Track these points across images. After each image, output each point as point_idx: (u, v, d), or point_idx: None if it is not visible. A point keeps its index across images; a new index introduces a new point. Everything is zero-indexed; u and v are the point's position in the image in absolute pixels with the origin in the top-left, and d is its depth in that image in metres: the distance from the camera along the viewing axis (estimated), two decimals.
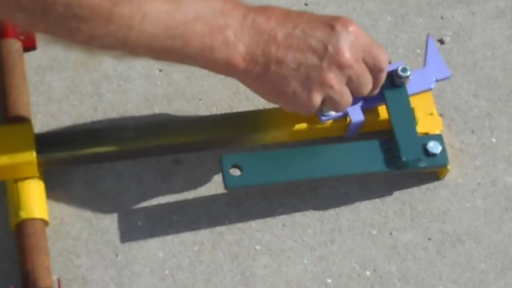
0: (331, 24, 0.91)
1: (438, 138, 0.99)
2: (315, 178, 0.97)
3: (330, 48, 0.90)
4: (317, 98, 0.92)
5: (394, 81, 0.99)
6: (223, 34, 0.86)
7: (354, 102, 0.98)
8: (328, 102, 0.93)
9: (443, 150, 0.98)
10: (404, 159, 0.96)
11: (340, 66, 0.91)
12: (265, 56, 0.88)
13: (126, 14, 0.79)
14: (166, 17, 0.81)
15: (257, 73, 0.89)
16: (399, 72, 0.98)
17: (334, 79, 0.91)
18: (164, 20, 0.81)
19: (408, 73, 0.98)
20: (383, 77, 0.96)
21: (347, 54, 0.90)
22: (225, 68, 0.88)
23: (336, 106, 0.94)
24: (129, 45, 0.82)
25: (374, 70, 0.94)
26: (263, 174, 0.93)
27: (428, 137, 0.99)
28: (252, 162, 0.90)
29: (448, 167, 1.01)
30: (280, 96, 0.92)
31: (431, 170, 1.00)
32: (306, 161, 0.96)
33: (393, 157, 0.97)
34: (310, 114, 0.95)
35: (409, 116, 0.99)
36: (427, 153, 0.98)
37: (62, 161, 0.97)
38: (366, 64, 0.93)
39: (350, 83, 0.93)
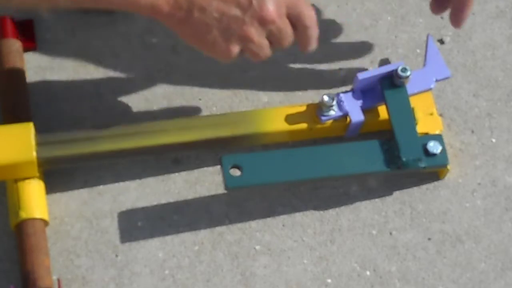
0: None
1: (438, 138, 0.99)
2: (315, 178, 0.97)
3: (254, 2, 0.90)
4: (235, 49, 0.93)
5: (394, 81, 0.99)
6: None
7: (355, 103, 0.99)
8: (247, 52, 0.94)
9: (443, 150, 0.98)
10: (404, 159, 0.96)
11: (262, 21, 0.91)
12: (189, 1, 0.89)
13: None
14: None
15: (181, 17, 0.90)
16: (399, 72, 0.98)
17: (255, 33, 0.92)
18: None
19: (408, 73, 0.98)
20: (311, 33, 0.96)
21: (270, 9, 0.91)
22: (150, 10, 0.89)
23: (254, 57, 0.95)
24: None
25: (299, 26, 0.94)
26: (263, 174, 0.93)
27: (428, 137, 0.99)
28: (252, 162, 0.90)
29: (448, 167, 1.01)
30: (201, 42, 0.93)
31: (431, 170, 1.00)
32: (306, 161, 0.96)
33: (393, 157, 0.97)
34: (228, 63, 0.95)
35: (409, 116, 0.99)
36: (427, 153, 0.98)
37: (62, 161, 0.97)
38: (290, 19, 0.93)
39: (270, 36, 0.93)
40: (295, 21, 0.94)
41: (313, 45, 0.97)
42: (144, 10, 0.90)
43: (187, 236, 0.99)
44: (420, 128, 1.01)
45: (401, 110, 0.99)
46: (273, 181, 0.95)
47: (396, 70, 0.99)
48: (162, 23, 0.92)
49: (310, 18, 0.95)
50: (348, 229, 1.00)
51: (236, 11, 0.91)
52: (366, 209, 1.01)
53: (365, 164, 0.97)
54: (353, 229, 1.00)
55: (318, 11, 1.13)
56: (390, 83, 0.99)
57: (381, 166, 0.97)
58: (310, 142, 1.04)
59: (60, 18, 1.10)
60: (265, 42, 0.93)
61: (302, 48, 0.97)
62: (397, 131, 0.97)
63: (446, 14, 1.12)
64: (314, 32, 0.96)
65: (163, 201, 1.00)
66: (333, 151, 0.97)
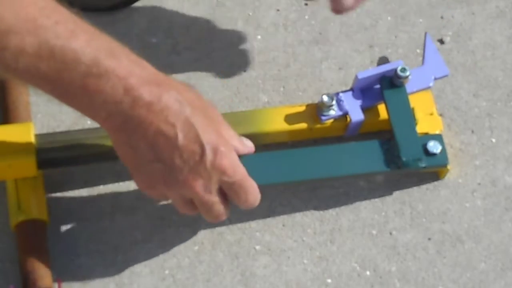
0: (202, 147, 0.81)
1: (438, 138, 0.99)
2: (315, 178, 0.97)
3: (186, 169, 0.81)
4: (153, 195, 0.86)
5: (394, 81, 0.99)
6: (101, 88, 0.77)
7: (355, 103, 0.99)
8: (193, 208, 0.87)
9: (443, 150, 0.98)
10: (404, 159, 0.96)
11: (183, 189, 0.83)
12: (125, 114, 0.79)
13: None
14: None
15: (115, 125, 0.80)
16: (399, 72, 0.98)
17: (173, 195, 0.85)
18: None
19: (407, 73, 0.98)
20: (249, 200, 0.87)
21: (197, 184, 0.82)
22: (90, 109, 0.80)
23: (206, 216, 0.87)
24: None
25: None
26: (263, 174, 0.93)
27: (428, 137, 0.99)
28: (252, 162, 0.90)
29: (448, 167, 1.01)
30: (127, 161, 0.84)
31: (431, 170, 1.00)
32: (306, 162, 0.96)
33: (393, 157, 0.97)
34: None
35: (409, 116, 0.99)
36: (427, 153, 0.98)
37: (62, 161, 0.97)
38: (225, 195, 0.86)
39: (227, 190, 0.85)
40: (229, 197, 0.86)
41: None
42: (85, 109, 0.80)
43: (187, 236, 0.99)
44: (420, 128, 1.01)
45: (400, 110, 0.99)
46: (274, 181, 0.95)
47: (395, 70, 0.99)
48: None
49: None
50: (348, 229, 1.00)
51: (162, 167, 0.81)
52: (366, 209, 1.01)
53: (365, 164, 0.97)
54: (353, 229, 1.00)
55: (318, 11, 1.13)
56: (390, 83, 0.99)
57: (381, 166, 0.97)
58: (310, 142, 1.04)
59: None
60: (215, 199, 0.85)
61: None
62: (397, 131, 0.97)
63: (446, 14, 1.12)
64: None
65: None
66: (332, 152, 0.97)
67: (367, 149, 0.97)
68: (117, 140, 0.82)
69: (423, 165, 0.97)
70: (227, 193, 0.86)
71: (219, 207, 0.86)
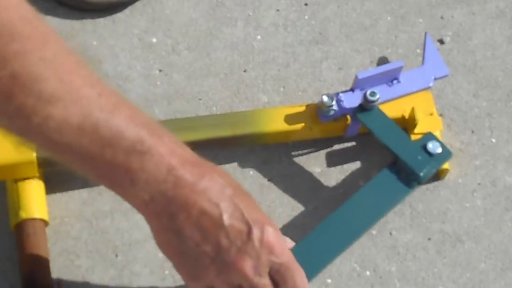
0: (249, 225, 0.77)
1: (430, 137, 0.98)
2: (358, 237, 0.95)
3: (233, 250, 0.77)
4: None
5: (365, 106, 0.99)
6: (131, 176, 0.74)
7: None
8: None
9: (442, 145, 0.98)
10: (421, 174, 0.96)
11: (232, 273, 0.78)
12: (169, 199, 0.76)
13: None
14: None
15: (156, 210, 0.76)
16: (368, 96, 0.98)
17: (220, 283, 0.79)
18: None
19: (377, 96, 0.98)
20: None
21: (247, 265, 0.78)
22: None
23: None
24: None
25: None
26: (310, 264, 0.88)
27: (423, 140, 0.98)
28: (297, 256, 0.86)
29: (448, 167, 1.01)
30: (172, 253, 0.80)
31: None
32: (341, 229, 0.93)
33: (409, 176, 0.96)
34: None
35: (398, 131, 0.98)
36: (432, 155, 0.98)
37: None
38: (273, 279, 0.80)
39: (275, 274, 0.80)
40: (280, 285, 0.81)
41: None
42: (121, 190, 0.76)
43: None
44: (420, 128, 1.01)
45: (387, 130, 0.98)
46: (326, 263, 0.93)
47: (365, 94, 0.98)
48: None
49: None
50: None
51: (207, 256, 0.77)
52: None
53: (392, 197, 0.96)
54: None
55: (318, 11, 1.13)
56: (363, 110, 0.99)
57: (405, 191, 0.96)
58: (310, 142, 1.04)
59: (59, 19, 1.10)
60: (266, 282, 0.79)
61: None
62: (398, 151, 0.97)
63: (446, 14, 1.12)
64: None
65: None
66: (357, 204, 0.95)
67: (384, 182, 0.96)
68: (160, 227, 0.77)
69: (437, 168, 0.97)
70: (274, 278, 0.80)
71: None
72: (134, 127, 0.73)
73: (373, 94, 0.98)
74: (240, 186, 0.80)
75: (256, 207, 0.80)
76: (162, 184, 0.75)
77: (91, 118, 0.71)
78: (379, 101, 0.99)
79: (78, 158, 0.73)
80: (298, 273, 0.81)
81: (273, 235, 0.79)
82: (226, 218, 0.76)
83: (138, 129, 0.73)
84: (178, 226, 0.76)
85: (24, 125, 0.70)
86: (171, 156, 0.75)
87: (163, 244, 0.79)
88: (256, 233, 0.77)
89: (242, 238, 0.77)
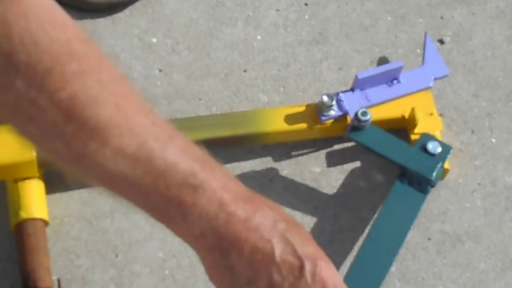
0: (301, 260, 0.76)
1: (427, 138, 0.98)
2: (396, 257, 0.95)
3: (286, 286, 0.74)
4: None
5: (357, 126, 0.99)
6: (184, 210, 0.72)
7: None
8: None
9: (440, 143, 0.98)
10: (433, 178, 0.96)
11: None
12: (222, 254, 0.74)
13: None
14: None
15: (208, 245, 0.75)
16: (359, 115, 0.98)
17: None
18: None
19: (368, 116, 0.98)
20: None
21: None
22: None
23: None
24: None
25: None
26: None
27: (421, 142, 0.98)
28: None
29: (448, 167, 1.01)
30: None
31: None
32: (380, 254, 0.93)
33: (421, 181, 0.96)
34: None
35: (396, 142, 0.98)
36: (435, 155, 0.98)
37: None
38: None
39: None
40: None
41: None
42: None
43: None
44: (420, 128, 1.01)
45: (385, 144, 0.98)
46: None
47: (356, 114, 0.98)
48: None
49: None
50: (348, 229, 1.00)
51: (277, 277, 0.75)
52: (366, 209, 1.01)
53: (413, 207, 0.96)
54: (353, 229, 1.00)
55: (318, 11, 1.13)
56: (356, 129, 0.99)
57: (422, 197, 0.96)
58: (310, 142, 1.04)
59: None
60: None
61: None
62: (403, 162, 0.97)
63: (446, 14, 1.12)
64: None
65: None
66: (383, 226, 0.95)
67: (400, 196, 0.96)
68: (212, 262, 0.75)
69: (443, 166, 0.97)
70: None
71: None
72: (188, 160, 0.72)
73: (364, 114, 0.98)
74: (293, 220, 0.78)
75: (310, 241, 0.78)
76: (213, 220, 0.73)
77: (146, 147, 0.69)
78: (379, 101, 0.99)
79: (130, 189, 0.71)
80: None
81: (326, 270, 0.77)
82: (278, 254, 0.75)
83: (191, 161, 0.72)
84: (231, 263, 0.75)
85: (81, 150, 0.68)
86: (223, 191, 0.73)
87: (216, 279, 0.77)
88: (308, 267, 0.76)
89: (294, 273, 0.76)
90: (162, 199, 0.71)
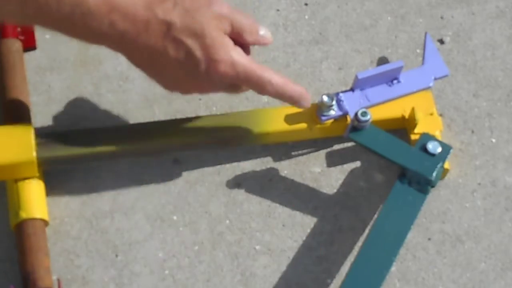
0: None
1: (427, 137, 0.98)
2: (395, 259, 0.94)
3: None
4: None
5: (357, 126, 0.98)
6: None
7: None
8: None
9: (440, 142, 0.98)
10: (433, 178, 0.96)
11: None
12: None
13: None
14: None
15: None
16: (359, 116, 0.98)
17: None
18: None
19: (368, 116, 0.98)
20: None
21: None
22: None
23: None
24: None
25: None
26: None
27: (421, 142, 0.98)
28: None
29: (448, 167, 1.01)
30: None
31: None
32: (378, 256, 0.93)
33: (421, 181, 0.96)
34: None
35: (396, 143, 0.98)
36: (435, 155, 0.98)
37: (62, 161, 0.97)
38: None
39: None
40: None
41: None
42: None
43: (187, 236, 0.99)
44: (420, 128, 1.01)
45: (385, 144, 0.98)
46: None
47: (356, 114, 0.98)
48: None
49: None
50: (348, 229, 1.00)
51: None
52: (366, 209, 1.01)
53: (414, 207, 0.96)
54: (353, 229, 1.00)
55: (318, 11, 1.13)
56: (356, 129, 0.99)
57: (422, 198, 0.96)
58: (310, 142, 1.04)
59: None
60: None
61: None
62: (403, 162, 0.97)
63: (446, 14, 1.12)
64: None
65: (163, 201, 1.00)
66: (382, 227, 0.94)
67: (400, 197, 0.96)
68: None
69: (443, 166, 0.97)
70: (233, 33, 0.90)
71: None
72: None
73: (364, 114, 0.98)
74: None
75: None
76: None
77: None
78: (379, 101, 0.99)
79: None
80: (264, 78, 0.91)
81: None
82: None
83: None
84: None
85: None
86: None
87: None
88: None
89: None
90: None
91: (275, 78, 0.92)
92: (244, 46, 0.92)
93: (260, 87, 0.91)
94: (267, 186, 1.02)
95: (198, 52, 0.87)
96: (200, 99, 1.06)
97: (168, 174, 1.02)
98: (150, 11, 0.85)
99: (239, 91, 0.94)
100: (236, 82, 0.91)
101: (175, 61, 0.87)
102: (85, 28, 0.84)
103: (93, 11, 0.83)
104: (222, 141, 1.01)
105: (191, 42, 0.87)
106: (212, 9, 0.88)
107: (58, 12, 0.83)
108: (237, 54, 0.89)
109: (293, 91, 0.93)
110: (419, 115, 1.02)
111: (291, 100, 0.94)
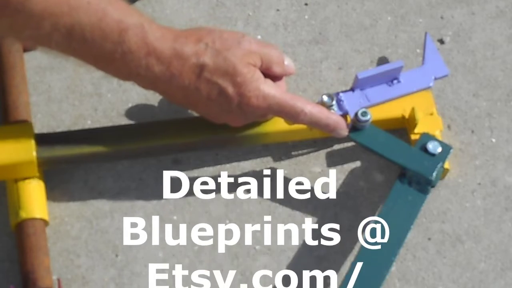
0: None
1: (427, 137, 0.98)
2: (395, 259, 0.94)
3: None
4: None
5: (357, 126, 0.98)
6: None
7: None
8: None
9: (440, 142, 0.98)
10: (433, 178, 0.96)
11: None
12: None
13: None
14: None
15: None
16: (359, 116, 0.97)
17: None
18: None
19: (368, 116, 0.98)
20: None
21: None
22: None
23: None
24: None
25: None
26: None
27: (421, 142, 0.98)
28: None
29: (448, 167, 1.01)
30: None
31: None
32: (378, 255, 0.93)
33: (421, 181, 0.96)
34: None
35: (396, 142, 0.98)
36: (435, 155, 0.98)
37: (62, 161, 0.97)
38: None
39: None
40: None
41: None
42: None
43: (187, 236, 0.99)
44: (421, 128, 1.01)
45: (385, 144, 0.98)
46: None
47: (356, 114, 0.98)
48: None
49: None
50: (348, 229, 1.00)
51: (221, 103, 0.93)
52: (366, 209, 1.01)
53: (414, 207, 0.96)
54: (353, 229, 1.00)
55: (318, 11, 1.13)
56: (356, 129, 0.99)
57: (422, 198, 0.96)
58: (310, 142, 1.04)
59: None
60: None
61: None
62: (403, 162, 0.97)
63: (446, 14, 1.12)
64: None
65: (163, 201, 1.00)
66: (388, 222, 0.95)
67: (400, 197, 0.96)
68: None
69: (443, 166, 0.97)
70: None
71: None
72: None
73: (364, 114, 0.98)
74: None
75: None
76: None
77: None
78: (379, 101, 0.99)
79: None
80: (295, 107, 0.94)
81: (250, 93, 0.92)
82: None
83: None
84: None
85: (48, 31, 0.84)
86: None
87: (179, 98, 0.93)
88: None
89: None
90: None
91: (308, 107, 0.94)
92: (277, 78, 0.95)
93: (294, 117, 0.94)
94: (267, 186, 1.02)
95: (230, 89, 0.90)
96: None
97: (168, 174, 1.02)
98: (184, 54, 0.89)
99: (270, 118, 0.99)
100: (270, 113, 0.95)
101: (208, 99, 0.91)
102: (123, 67, 0.88)
103: (133, 51, 0.86)
104: (222, 141, 1.01)
105: (222, 81, 0.90)
106: (242, 47, 0.91)
107: (101, 48, 0.85)
108: (268, 87, 0.92)
109: (328, 119, 0.95)
110: (419, 115, 1.02)
111: (327, 128, 0.96)
